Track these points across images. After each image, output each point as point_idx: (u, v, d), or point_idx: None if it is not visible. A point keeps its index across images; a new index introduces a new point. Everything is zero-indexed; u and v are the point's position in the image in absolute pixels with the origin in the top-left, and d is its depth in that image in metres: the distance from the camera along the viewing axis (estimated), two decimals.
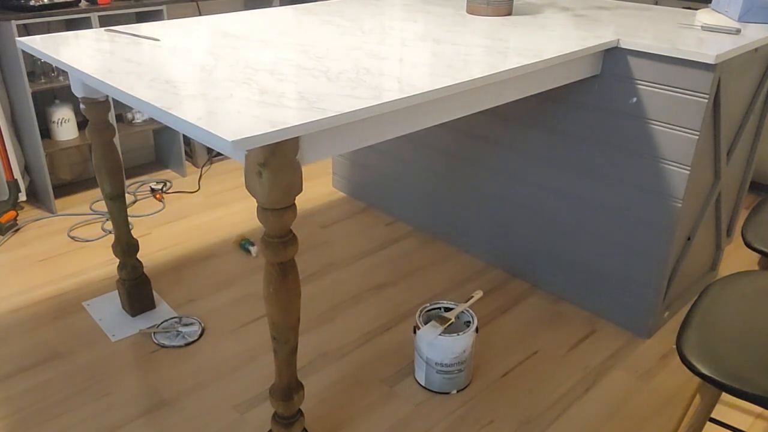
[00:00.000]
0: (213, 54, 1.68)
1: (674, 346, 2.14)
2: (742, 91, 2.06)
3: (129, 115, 3.19)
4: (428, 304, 1.97)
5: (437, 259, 2.61)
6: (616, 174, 2.06)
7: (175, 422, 1.80)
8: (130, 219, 2.92)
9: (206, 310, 2.28)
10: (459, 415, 1.84)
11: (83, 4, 2.82)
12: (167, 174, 3.40)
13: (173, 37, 1.86)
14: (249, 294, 2.37)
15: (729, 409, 1.88)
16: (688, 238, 2.12)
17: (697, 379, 1.36)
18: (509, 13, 2.29)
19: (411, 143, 2.71)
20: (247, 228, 2.84)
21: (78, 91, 1.83)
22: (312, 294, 2.38)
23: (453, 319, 1.90)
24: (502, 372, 2.01)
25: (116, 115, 3.22)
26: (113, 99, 3.02)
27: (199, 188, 3.25)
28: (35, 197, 3.08)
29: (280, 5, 3.39)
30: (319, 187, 3.26)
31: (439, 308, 1.97)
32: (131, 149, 3.44)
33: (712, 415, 1.65)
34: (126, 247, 2.10)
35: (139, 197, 3.13)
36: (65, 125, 2.92)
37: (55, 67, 2.86)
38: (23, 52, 2.64)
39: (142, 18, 3.09)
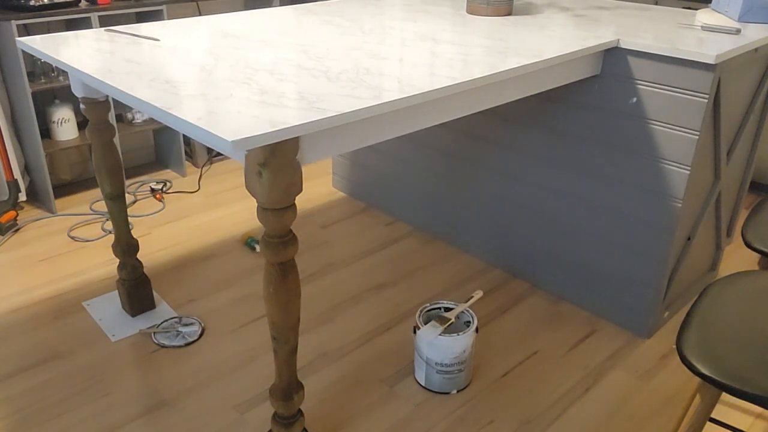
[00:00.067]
0: (213, 54, 1.68)
1: (674, 346, 2.14)
2: (742, 91, 2.06)
3: (129, 115, 3.19)
4: (428, 304, 1.97)
5: (437, 259, 2.61)
6: (616, 174, 2.06)
7: (175, 422, 1.80)
8: (130, 219, 2.92)
9: (206, 310, 2.28)
10: (459, 415, 1.84)
11: (83, 4, 2.82)
12: (167, 174, 3.40)
13: (173, 37, 1.86)
14: (249, 294, 2.37)
15: (729, 409, 1.88)
16: (688, 238, 2.12)
17: (697, 379, 1.36)
18: (509, 13, 2.29)
19: (411, 143, 2.72)
20: (247, 228, 2.84)
21: (78, 91, 1.83)
22: (312, 294, 2.38)
23: (453, 319, 1.90)
24: (502, 372, 2.01)
25: (116, 115, 3.22)
26: (113, 99, 3.02)
27: (199, 188, 3.25)
28: (35, 197, 3.08)
29: (280, 5, 3.39)
30: (319, 187, 3.26)
31: (439, 308, 1.97)
32: (131, 149, 3.44)
33: (712, 415, 1.65)
34: (126, 247, 2.10)
35: (139, 197, 3.13)
36: (65, 125, 2.92)
37: (55, 67, 2.86)
38: (23, 52, 2.64)
39: (142, 18, 3.09)
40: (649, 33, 2.00)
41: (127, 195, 3.12)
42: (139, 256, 2.60)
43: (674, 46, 1.83)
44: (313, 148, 1.30)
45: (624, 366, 2.04)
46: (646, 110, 1.94)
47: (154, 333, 2.14)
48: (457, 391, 1.92)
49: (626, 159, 2.02)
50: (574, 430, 1.80)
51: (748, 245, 1.54)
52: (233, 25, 2.04)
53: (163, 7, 2.97)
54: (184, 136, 3.39)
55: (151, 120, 3.22)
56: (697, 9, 2.91)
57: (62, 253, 2.63)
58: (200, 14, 3.36)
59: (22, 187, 2.91)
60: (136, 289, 2.18)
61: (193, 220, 2.92)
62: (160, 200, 3.10)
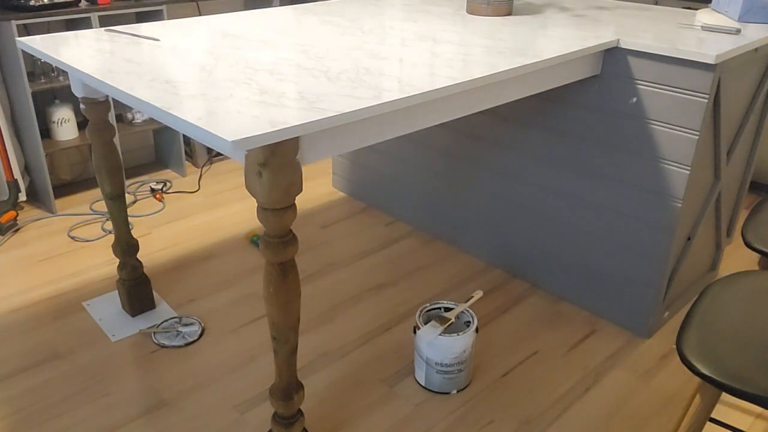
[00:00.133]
0: (213, 54, 1.68)
1: (674, 346, 2.14)
2: (742, 91, 2.06)
3: (129, 115, 3.19)
4: (428, 304, 1.97)
5: (437, 259, 2.61)
6: (616, 174, 2.06)
7: (175, 422, 1.80)
8: (130, 219, 2.92)
9: (206, 310, 2.28)
10: (459, 415, 1.84)
11: (83, 4, 2.82)
12: (167, 174, 3.40)
13: (173, 37, 1.86)
14: (249, 294, 2.37)
15: (729, 409, 1.88)
16: (688, 238, 2.12)
17: (697, 379, 1.36)
18: (509, 13, 2.29)
19: (411, 143, 2.72)
20: (247, 228, 2.84)
21: (78, 91, 1.83)
22: (312, 294, 2.38)
23: (453, 319, 1.90)
24: (502, 372, 2.01)
25: (116, 115, 3.22)
26: (113, 99, 3.02)
27: (199, 188, 3.25)
28: (35, 197, 3.08)
29: (280, 5, 3.39)
30: (319, 187, 3.26)
31: (439, 308, 1.97)
32: (131, 149, 3.44)
33: (712, 415, 1.65)
34: (126, 247, 2.10)
35: (139, 197, 3.13)
36: (65, 125, 2.92)
37: (55, 67, 2.86)
38: (23, 52, 2.64)
39: (142, 18, 3.09)
40: (649, 33, 2.00)
41: (127, 195, 3.12)
42: (139, 256, 2.60)
43: (674, 46, 1.83)
44: (313, 148, 1.30)
45: (624, 366, 2.04)
46: (646, 110, 1.94)
47: (154, 333, 2.14)
48: (457, 391, 1.92)
49: (626, 159, 2.02)
50: (574, 430, 1.80)
51: (748, 245, 1.54)
52: (233, 25, 2.04)
53: (163, 7, 2.97)
54: (184, 136, 3.39)
55: (151, 120, 3.22)
56: (697, 9, 2.91)
57: (62, 253, 2.63)
58: (200, 14, 3.36)
59: (22, 187, 2.91)
60: (136, 289, 2.18)
61: (193, 220, 2.92)
62: (160, 200, 3.10)
